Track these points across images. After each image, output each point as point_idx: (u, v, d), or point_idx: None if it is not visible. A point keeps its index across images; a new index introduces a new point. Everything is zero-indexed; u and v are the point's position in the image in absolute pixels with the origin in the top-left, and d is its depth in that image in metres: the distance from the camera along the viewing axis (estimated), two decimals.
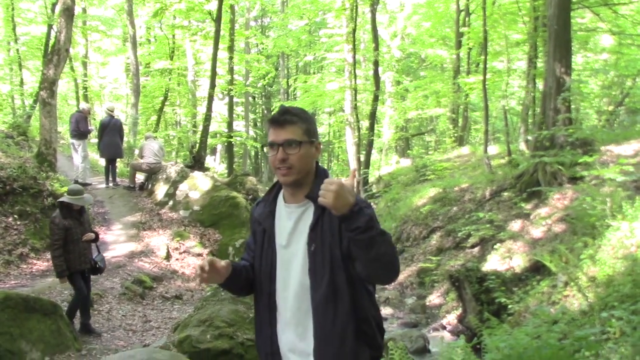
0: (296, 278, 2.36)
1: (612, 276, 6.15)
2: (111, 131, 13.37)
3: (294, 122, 2.34)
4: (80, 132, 13.03)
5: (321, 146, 2.44)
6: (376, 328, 2.39)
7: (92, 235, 7.24)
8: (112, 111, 13.90)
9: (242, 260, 2.62)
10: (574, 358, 4.25)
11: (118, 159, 14.67)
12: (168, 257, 10.95)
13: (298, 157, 2.31)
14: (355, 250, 2.14)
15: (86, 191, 7.98)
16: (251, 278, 2.54)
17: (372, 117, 21.58)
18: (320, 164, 2.48)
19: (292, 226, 2.40)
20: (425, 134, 33.39)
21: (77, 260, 6.99)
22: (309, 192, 2.37)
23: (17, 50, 22.13)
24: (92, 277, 7.53)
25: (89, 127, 13.68)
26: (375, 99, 20.95)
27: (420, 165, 19.64)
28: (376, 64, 21.19)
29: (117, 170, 14.50)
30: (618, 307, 5.13)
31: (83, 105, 14.65)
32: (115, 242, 11.12)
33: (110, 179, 13.97)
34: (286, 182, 2.36)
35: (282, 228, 2.43)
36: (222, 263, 2.35)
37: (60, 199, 6.99)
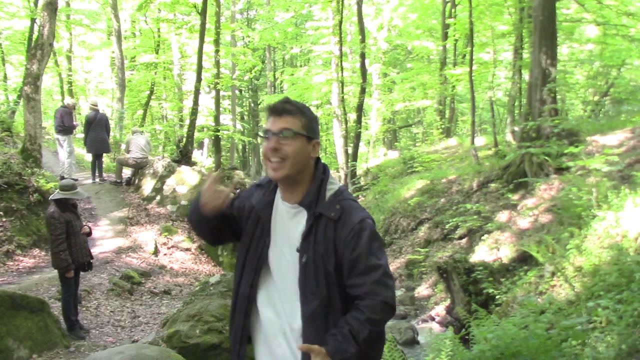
0: (283, 283, 2.29)
1: (598, 266, 6.20)
2: (97, 126, 13.29)
3: (293, 112, 2.23)
4: (65, 127, 12.93)
5: (319, 146, 2.30)
6: (377, 345, 2.31)
7: (87, 228, 7.24)
8: (96, 105, 13.79)
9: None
10: (561, 347, 4.29)
11: (105, 154, 14.58)
12: (156, 252, 10.91)
13: (293, 149, 2.19)
14: None
15: None
16: (224, 228, 2.47)
17: (360, 109, 21.57)
18: (320, 164, 2.34)
19: (285, 225, 2.31)
20: (413, 126, 33.45)
21: (79, 253, 6.99)
22: (302, 197, 2.27)
23: (0, 44, 21.85)
24: (80, 273, 7.47)
25: (74, 122, 13.58)
26: (363, 91, 20.94)
27: (407, 157, 19.69)
28: (363, 56, 21.16)
29: (103, 165, 14.40)
30: (604, 297, 5.18)
31: (68, 100, 14.52)
32: (103, 237, 11.05)
33: (97, 174, 13.88)
34: (276, 177, 2.24)
35: (277, 223, 2.33)
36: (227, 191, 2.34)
37: (56, 197, 6.87)
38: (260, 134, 2.30)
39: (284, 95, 26.90)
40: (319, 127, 2.36)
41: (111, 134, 15.32)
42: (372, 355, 2.23)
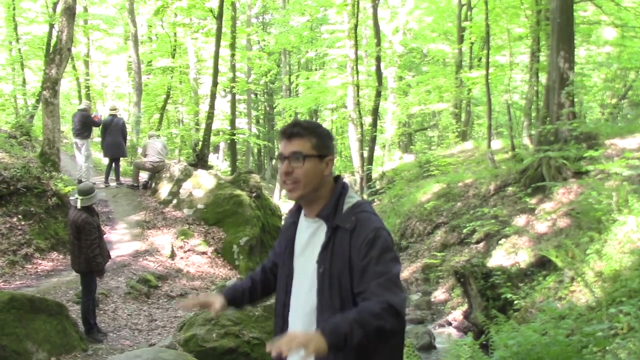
0: (307, 297, 2.32)
1: (619, 271, 6.12)
2: (113, 130, 13.37)
3: (302, 135, 2.28)
4: (90, 125, 13.22)
5: (334, 161, 2.35)
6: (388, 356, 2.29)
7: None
8: (115, 110, 13.89)
9: (266, 262, 2.70)
10: (582, 354, 4.23)
11: (122, 158, 14.66)
12: (172, 255, 10.94)
13: (303, 171, 2.26)
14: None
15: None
16: (272, 284, 2.61)
17: (375, 113, 21.54)
18: (340, 180, 2.40)
19: (307, 240, 2.37)
20: (428, 130, 33.33)
21: (104, 255, 7.18)
22: (320, 210, 2.32)
23: (19, 50, 22.07)
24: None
25: (98, 120, 13.63)
26: (378, 94, 20.91)
27: (423, 160, 19.64)
28: (378, 59, 21.14)
29: (120, 169, 14.48)
30: (626, 302, 5.11)
31: (84, 104, 14.59)
32: (120, 241, 11.11)
33: (114, 177, 13.97)
34: (291, 197, 2.33)
35: (300, 240, 2.41)
36: (217, 306, 2.48)
37: (86, 204, 6.89)
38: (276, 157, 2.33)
39: (298, 100, 26.97)
40: (333, 141, 2.38)
41: (128, 137, 15.39)
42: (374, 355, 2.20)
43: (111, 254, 8.36)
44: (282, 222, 15.38)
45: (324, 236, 2.29)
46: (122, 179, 14.46)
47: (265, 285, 2.65)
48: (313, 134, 2.30)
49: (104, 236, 7.69)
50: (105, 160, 15.04)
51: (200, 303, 2.53)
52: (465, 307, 9.47)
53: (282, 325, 2.44)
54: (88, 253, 6.79)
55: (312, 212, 2.36)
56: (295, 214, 2.49)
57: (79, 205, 6.87)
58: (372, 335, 2.00)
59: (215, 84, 16.82)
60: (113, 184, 14.04)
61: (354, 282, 2.19)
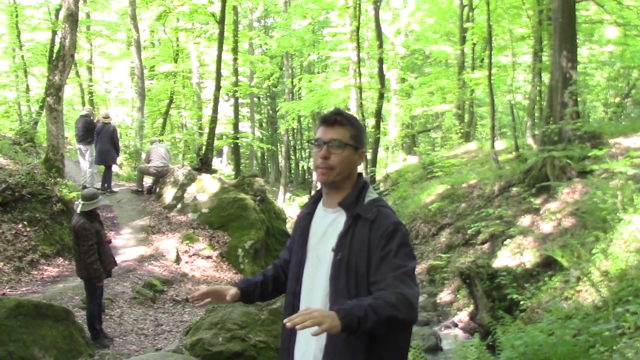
0: (320, 284, 2.36)
1: (625, 270, 6.11)
2: (102, 138, 13.23)
3: (344, 124, 2.38)
4: (94, 131, 13.18)
5: (364, 155, 2.44)
6: (394, 353, 2.31)
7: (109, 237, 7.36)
8: (107, 118, 13.77)
9: (277, 260, 2.75)
10: (589, 354, 4.22)
11: (114, 165, 14.50)
12: (178, 260, 10.96)
13: (340, 158, 2.34)
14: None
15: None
16: (283, 280, 2.64)
17: (378, 115, 21.54)
18: (362, 176, 2.48)
19: (324, 229, 2.42)
20: (432, 131, 33.31)
21: (107, 261, 7.11)
22: (343, 199, 2.39)
23: (22, 56, 22.19)
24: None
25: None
26: (381, 96, 20.92)
27: (427, 162, 19.61)
28: (380, 61, 21.15)
29: (112, 176, 14.29)
30: (633, 302, 5.09)
31: (87, 110, 14.59)
32: (125, 246, 11.13)
33: (105, 185, 13.75)
34: (323, 181, 2.40)
35: (316, 229, 2.47)
36: (232, 292, 2.50)
37: (86, 209, 6.92)
38: (313, 142, 2.44)
39: (302, 103, 26.94)
40: (366, 137, 2.52)
41: (128, 143, 15.31)
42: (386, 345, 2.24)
43: (117, 259, 8.37)
44: (287, 225, 15.41)
45: (342, 225, 2.34)
46: (113, 184, 14.24)
47: (276, 281, 2.68)
48: (352, 125, 2.40)
49: (111, 242, 7.62)
50: None
51: (212, 291, 2.53)
52: (471, 308, 9.45)
53: (291, 314, 2.44)
54: (85, 259, 6.81)
55: (333, 202, 2.43)
56: (312, 205, 2.55)
57: (78, 210, 6.92)
58: (385, 323, 2.06)
59: (218, 88, 16.85)
60: (116, 189, 14.05)
61: (370, 271, 2.24)
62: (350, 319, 1.99)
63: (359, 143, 2.40)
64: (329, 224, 2.41)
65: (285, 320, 2.01)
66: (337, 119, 2.38)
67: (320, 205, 2.51)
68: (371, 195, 2.40)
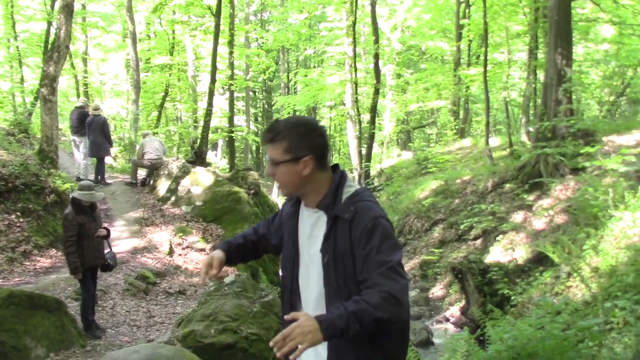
0: (314, 284, 2.37)
1: (615, 266, 6.15)
2: (93, 130, 13.10)
3: (274, 140, 2.33)
4: (85, 125, 13.05)
5: (312, 160, 2.32)
6: (397, 341, 2.34)
7: (104, 231, 7.14)
8: (97, 110, 13.67)
9: (250, 230, 2.79)
10: (578, 348, 4.26)
11: (107, 157, 14.43)
12: (171, 252, 10.96)
13: (279, 174, 2.35)
14: None
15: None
16: (259, 248, 2.74)
17: (373, 110, 21.56)
18: (339, 170, 2.43)
19: (309, 230, 2.42)
20: (427, 127, 33.36)
21: (91, 256, 6.94)
22: (320, 200, 2.37)
23: (17, 47, 22.09)
24: (98, 273, 7.49)
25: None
26: (376, 92, 20.94)
27: (421, 158, 19.65)
28: (376, 57, 21.15)
29: (104, 168, 14.21)
30: (621, 297, 5.14)
31: (81, 101, 14.54)
32: (118, 238, 11.11)
33: (99, 177, 13.64)
34: (282, 194, 2.49)
35: (303, 230, 2.47)
36: (218, 259, 2.52)
37: (72, 195, 6.95)
38: None
39: (297, 97, 26.90)
40: (316, 138, 2.35)
41: (123, 135, 15.28)
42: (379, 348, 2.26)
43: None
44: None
45: (325, 226, 2.33)
46: (107, 177, 14.16)
47: (255, 247, 2.75)
48: (285, 138, 2.31)
49: (108, 237, 7.46)
50: None
51: (208, 266, 2.53)
52: (463, 303, 9.50)
53: (289, 312, 2.43)
54: (64, 250, 6.78)
55: (311, 203, 2.41)
56: (296, 203, 2.53)
57: (72, 194, 6.95)
58: (370, 327, 2.06)
59: (213, 81, 16.83)
60: (110, 181, 14.03)
61: (357, 271, 2.23)
62: (333, 331, 1.99)
63: (298, 152, 2.30)
64: (313, 224, 2.40)
65: (270, 343, 2.01)
66: (266, 137, 2.36)
67: (303, 205, 2.49)
68: (349, 190, 2.35)
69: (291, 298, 2.47)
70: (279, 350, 1.97)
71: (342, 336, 2.01)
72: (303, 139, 2.32)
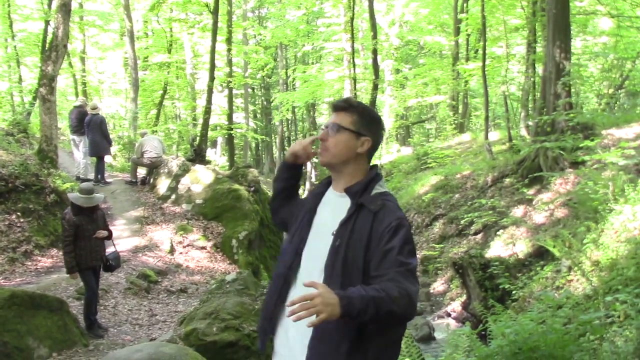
0: (316, 265, 2.34)
1: (616, 260, 6.16)
2: (92, 129, 13.06)
3: (346, 109, 2.42)
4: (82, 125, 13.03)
5: (373, 144, 2.43)
6: (391, 352, 2.31)
7: (105, 232, 7.08)
8: (95, 109, 13.64)
9: None
10: (579, 342, 4.27)
11: (107, 156, 14.39)
12: (172, 251, 10.97)
13: (334, 141, 2.39)
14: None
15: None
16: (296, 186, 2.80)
17: (372, 106, 21.49)
18: (377, 169, 2.49)
19: (329, 212, 2.43)
20: (426, 122, 33.36)
21: (88, 257, 6.90)
22: (351, 185, 2.40)
23: (15, 47, 22.01)
24: (100, 273, 7.47)
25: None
26: (375, 87, 20.91)
27: (421, 153, 19.66)
28: (375, 52, 21.11)
29: (104, 167, 14.18)
30: (622, 291, 5.15)
31: (80, 100, 14.53)
32: (119, 237, 11.11)
33: (99, 176, 13.61)
34: (320, 161, 2.46)
35: (322, 210, 2.49)
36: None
37: (68, 195, 6.95)
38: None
39: (296, 94, 26.85)
40: (378, 127, 2.48)
41: (122, 134, 15.25)
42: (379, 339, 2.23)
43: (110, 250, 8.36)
44: None
45: (346, 210, 2.34)
46: (107, 175, 14.12)
47: (296, 186, 2.81)
48: (357, 112, 2.42)
49: (110, 238, 7.43)
50: None
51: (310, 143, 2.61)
52: (464, 298, 9.52)
53: (281, 286, 2.45)
54: (62, 249, 6.78)
55: (339, 186, 2.45)
56: (325, 186, 2.57)
57: (70, 196, 6.95)
58: (383, 317, 2.06)
59: (212, 78, 16.82)
60: (110, 180, 14.03)
61: (372, 265, 2.22)
62: (351, 310, 1.99)
63: (362, 130, 2.40)
64: (334, 207, 2.42)
65: (287, 304, 2.00)
66: (340, 104, 2.44)
67: (330, 188, 2.53)
68: (380, 188, 2.39)
69: (282, 287, 2.43)
70: (294, 314, 1.95)
71: (356, 317, 2.02)
72: (372, 123, 2.45)
